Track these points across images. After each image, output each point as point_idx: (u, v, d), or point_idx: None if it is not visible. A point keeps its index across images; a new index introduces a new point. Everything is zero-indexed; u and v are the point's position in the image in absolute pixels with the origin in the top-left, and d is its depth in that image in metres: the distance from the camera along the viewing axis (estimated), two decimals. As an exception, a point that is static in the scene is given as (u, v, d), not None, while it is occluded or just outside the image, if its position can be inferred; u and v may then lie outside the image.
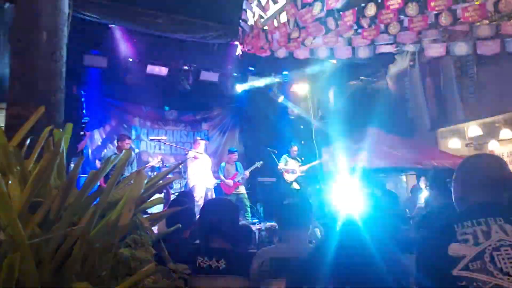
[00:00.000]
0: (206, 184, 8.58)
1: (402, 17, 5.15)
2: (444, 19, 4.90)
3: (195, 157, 8.49)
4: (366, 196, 5.14)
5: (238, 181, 9.01)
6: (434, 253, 1.63)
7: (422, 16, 5.00)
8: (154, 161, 8.60)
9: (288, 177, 9.28)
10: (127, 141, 7.79)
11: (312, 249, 1.87)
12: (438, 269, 1.58)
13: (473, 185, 1.77)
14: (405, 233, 3.77)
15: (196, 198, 7.98)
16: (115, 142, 8.09)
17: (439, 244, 1.62)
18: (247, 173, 9.12)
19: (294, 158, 9.51)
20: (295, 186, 9.18)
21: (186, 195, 4.96)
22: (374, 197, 4.53)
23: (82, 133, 7.92)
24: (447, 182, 1.95)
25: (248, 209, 9.00)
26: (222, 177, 9.01)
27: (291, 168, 9.31)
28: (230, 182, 8.92)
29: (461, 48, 5.75)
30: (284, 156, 9.51)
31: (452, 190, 1.89)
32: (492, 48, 5.63)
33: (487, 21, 5.55)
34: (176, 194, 6.94)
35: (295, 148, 9.58)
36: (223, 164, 9.31)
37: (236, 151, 9.40)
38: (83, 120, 8.12)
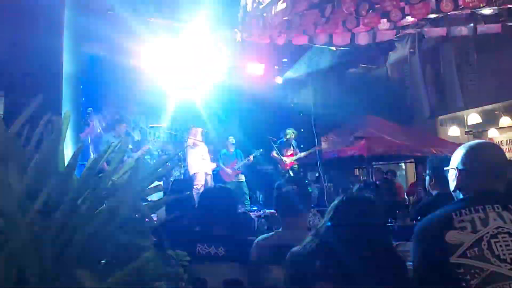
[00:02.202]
0: (206, 170, 8.59)
1: (403, 4, 5.12)
2: (446, 6, 4.86)
3: (194, 144, 8.48)
4: (365, 183, 5.16)
5: (237, 169, 9.01)
6: (432, 241, 1.64)
7: (423, 3, 4.96)
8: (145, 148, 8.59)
9: (283, 165, 9.32)
10: (123, 125, 7.97)
11: (311, 236, 1.87)
12: (436, 256, 1.59)
13: (470, 173, 1.77)
14: (403, 220, 3.79)
15: (198, 186, 8.00)
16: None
17: (437, 232, 1.63)
18: (251, 157, 9.09)
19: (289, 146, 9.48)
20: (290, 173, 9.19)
21: (185, 182, 4.98)
22: (372, 185, 4.56)
23: (85, 122, 7.92)
24: (446, 170, 1.95)
25: (247, 196, 9.02)
26: (221, 164, 9.01)
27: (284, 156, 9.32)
28: (229, 170, 8.93)
29: (461, 31, 5.71)
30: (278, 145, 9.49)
31: (449, 178, 1.90)
32: (492, 28, 5.58)
33: (487, 7, 5.51)
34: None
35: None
36: (222, 151, 9.30)
37: (231, 135, 9.41)
38: (87, 110, 8.12)
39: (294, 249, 1.87)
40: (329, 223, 1.79)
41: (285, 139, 9.41)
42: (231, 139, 9.24)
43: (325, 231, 1.78)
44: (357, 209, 1.78)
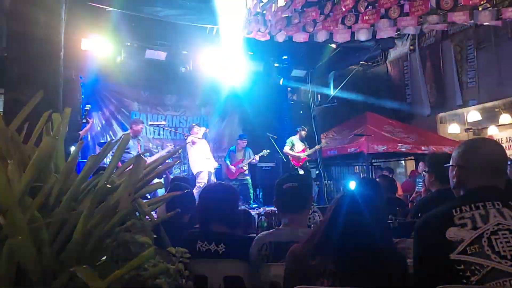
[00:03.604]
0: (209, 169, 8.57)
1: (402, 1, 5.11)
2: (446, 3, 4.85)
3: (193, 142, 8.46)
4: (364, 180, 5.15)
5: (242, 167, 8.98)
6: (433, 237, 1.64)
7: (423, 0, 4.95)
8: (168, 149, 8.59)
9: (296, 162, 9.30)
10: (141, 125, 8.08)
11: (311, 232, 1.87)
12: (436, 253, 1.59)
13: (470, 170, 1.77)
14: (403, 218, 3.79)
15: (201, 184, 8.00)
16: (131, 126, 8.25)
17: (437, 228, 1.63)
18: (256, 157, 9.07)
19: (302, 141, 9.48)
20: (300, 171, 9.15)
21: (185, 179, 4.97)
22: (371, 182, 4.55)
23: (84, 120, 7.90)
24: (445, 167, 1.95)
25: (251, 195, 8.97)
26: (227, 161, 9.01)
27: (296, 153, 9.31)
28: (233, 168, 8.92)
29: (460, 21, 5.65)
30: (291, 138, 9.40)
31: (449, 175, 1.90)
32: (491, 19, 5.53)
33: (488, 5, 5.50)
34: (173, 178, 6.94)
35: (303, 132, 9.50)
36: (232, 148, 9.29)
37: (245, 137, 9.33)
38: (85, 107, 8.09)
39: (295, 246, 1.87)
40: (329, 220, 1.79)
41: (298, 136, 9.43)
42: (244, 142, 9.20)
43: (325, 228, 1.78)
44: (357, 206, 1.78)
